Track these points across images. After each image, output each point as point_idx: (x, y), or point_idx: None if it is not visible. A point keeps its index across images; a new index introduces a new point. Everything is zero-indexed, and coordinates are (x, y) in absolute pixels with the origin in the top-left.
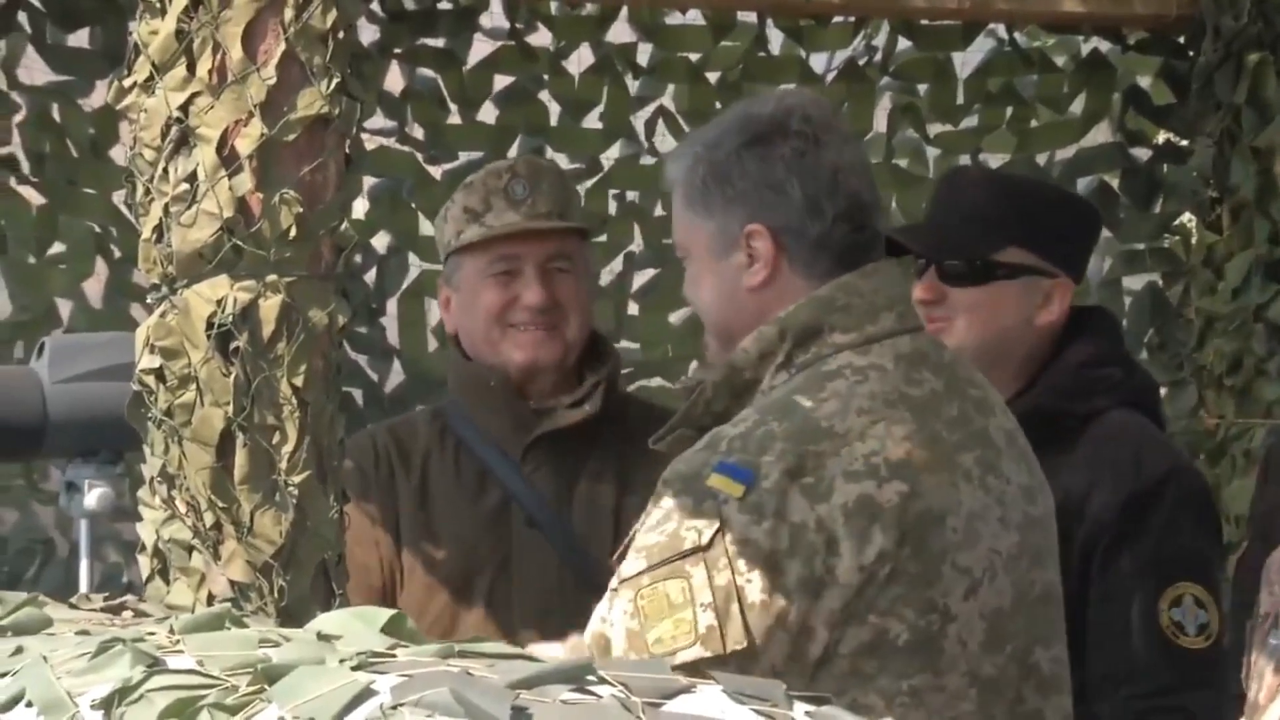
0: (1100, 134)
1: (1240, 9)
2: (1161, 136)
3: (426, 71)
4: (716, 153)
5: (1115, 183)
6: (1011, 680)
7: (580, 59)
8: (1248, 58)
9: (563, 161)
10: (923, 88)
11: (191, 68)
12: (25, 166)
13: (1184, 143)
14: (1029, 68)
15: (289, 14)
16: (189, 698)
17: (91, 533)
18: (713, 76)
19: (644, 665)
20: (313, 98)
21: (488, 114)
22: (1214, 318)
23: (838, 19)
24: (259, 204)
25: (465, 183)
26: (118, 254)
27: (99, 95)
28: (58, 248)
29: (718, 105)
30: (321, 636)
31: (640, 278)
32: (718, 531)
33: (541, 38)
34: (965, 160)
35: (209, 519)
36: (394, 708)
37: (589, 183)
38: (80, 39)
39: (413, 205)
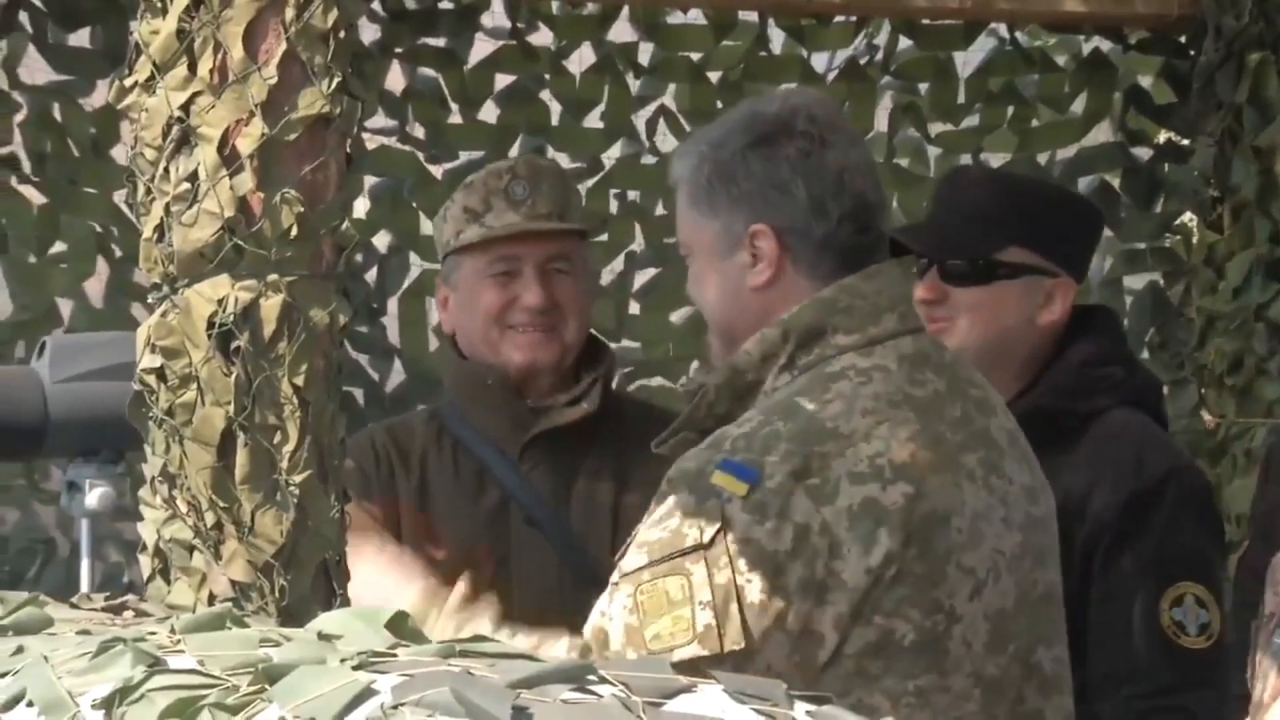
0: (1101, 133)
1: (1241, 9)
2: (1162, 136)
3: (428, 71)
4: (722, 152)
5: (1116, 182)
6: (1014, 680)
7: (581, 58)
8: (1249, 57)
9: (564, 161)
10: (924, 87)
11: (192, 67)
12: (27, 166)
13: (1185, 142)
14: (1030, 67)
15: (290, 13)
16: (190, 697)
17: (92, 532)
18: (714, 76)
19: (644, 665)
20: (314, 97)
21: (489, 113)
22: (1215, 317)
23: (839, 18)
24: (260, 203)
25: (465, 183)
26: (119, 253)
27: (100, 95)
28: (59, 247)
29: (719, 105)
30: (322, 636)
31: (641, 277)
32: (719, 530)
33: (543, 37)
34: (966, 160)
35: (210, 519)
36: (395, 707)
37: (590, 182)
38: (81, 38)
39: (414, 205)
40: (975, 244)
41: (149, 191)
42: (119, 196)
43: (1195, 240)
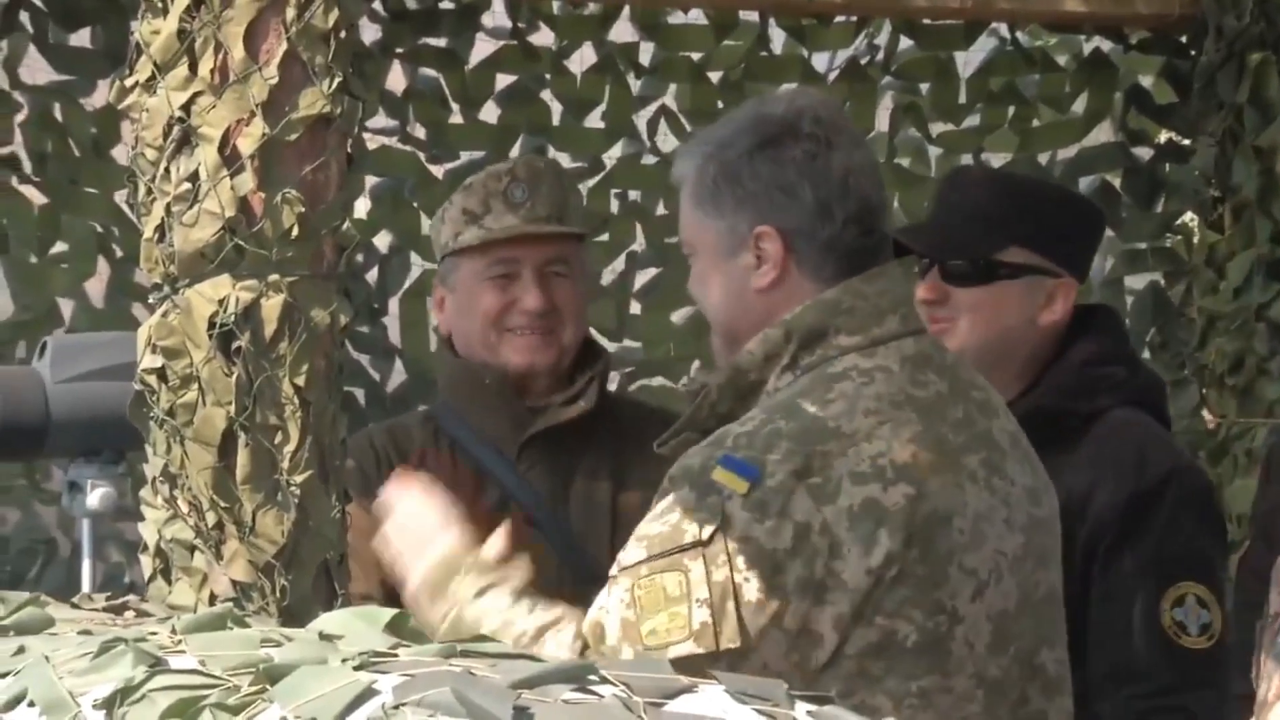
0: (1102, 133)
1: (1242, 9)
2: (1163, 136)
3: (429, 71)
4: (728, 153)
5: (1117, 182)
6: (1015, 681)
7: (582, 58)
8: (1250, 57)
9: (565, 161)
10: (925, 87)
11: (193, 67)
12: (28, 166)
13: (1186, 142)
14: (1031, 67)
15: (291, 13)
16: (191, 697)
17: (94, 532)
18: (715, 76)
19: (645, 665)
20: (315, 97)
21: (490, 113)
22: (1216, 317)
23: (840, 18)
24: (261, 203)
25: (464, 185)
26: (120, 253)
27: (101, 95)
28: (60, 247)
29: (720, 105)
30: (323, 636)
31: (642, 277)
32: (719, 528)
33: (543, 37)
34: (967, 160)
35: (211, 519)
36: (396, 707)
37: (591, 182)
38: (82, 38)
39: (415, 205)
40: (976, 244)
41: (150, 191)
42: (120, 196)
43: (1196, 240)
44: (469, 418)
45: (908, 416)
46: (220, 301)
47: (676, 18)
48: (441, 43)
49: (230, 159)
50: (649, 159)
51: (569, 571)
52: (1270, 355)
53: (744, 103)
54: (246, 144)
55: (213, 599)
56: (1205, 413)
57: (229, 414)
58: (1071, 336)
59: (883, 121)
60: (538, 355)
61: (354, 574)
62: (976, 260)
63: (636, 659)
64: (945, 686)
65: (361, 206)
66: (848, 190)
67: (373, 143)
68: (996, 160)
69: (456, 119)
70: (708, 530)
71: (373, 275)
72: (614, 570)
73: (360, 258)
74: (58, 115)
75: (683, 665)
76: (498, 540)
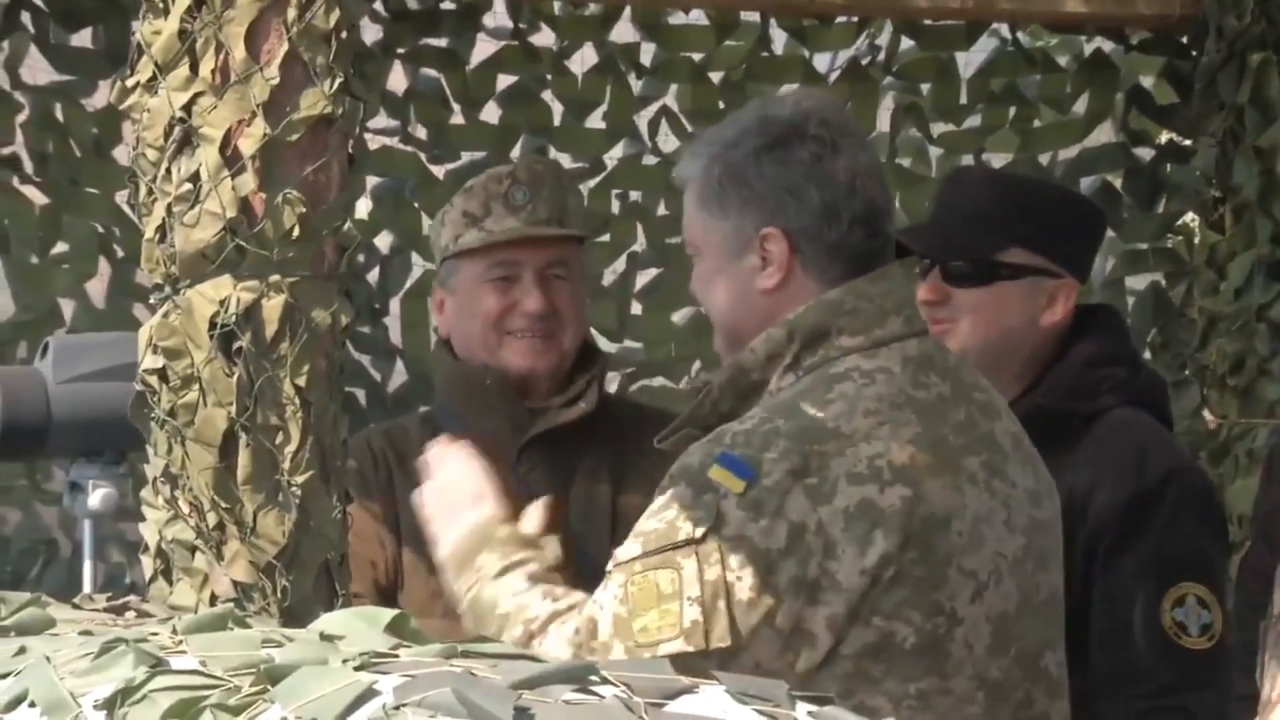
0: (1103, 134)
1: (1243, 9)
2: (1164, 136)
3: (430, 71)
4: (733, 154)
5: (1118, 182)
6: (1017, 683)
7: (583, 59)
8: (1250, 58)
9: (566, 161)
10: (926, 87)
11: (194, 67)
12: (29, 166)
13: (1187, 142)
14: (1032, 67)
15: (292, 14)
16: (192, 698)
17: (95, 533)
18: (716, 76)
19: (646, 665)
20: (316, 98)
21: (491, 114)
22: (1217, 317)
23: (841, 19)
24: (262, 204)
25: (465, 187)
26: (121, 254)
27: (102, 95)
28: (61, 248)
29: (721, 105)
30: (324, 637)
31: (643, 277)
32: (712, 526)
33: (544, 37)
34: (968, 160)
35: (212, 519)
36: (396, 708)
37: (592, 182)
38: (83, 39)
39: (416, 205)
40: (977, 245)
41: (151, 192)
42: (121, 197)
43: (1197, 241)
44: (468, 420)
45: (907, 418)
46: (221, 302)
47: (677, 18)
48: (442, 43)
49: (231, 159)
50: (650, 159)
51: (570, 573)
52: (1271, 356)
53: (748, 104)
54: (248, 144)
55: (214, 599)
56: (1206, 413)
57: (230, 414)
58: (1073, 337)
59: (884, 122)
60: (538, 358)
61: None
62: (977, 261)
63: (638, 660)
64: (944, 688)
65: (363, 207)
66: (854, 192)
67: (374, 143)
68: (997, 161)
69: (458, 119)
70: (701, 529)
71: (374, 276)
72: (610, 565)
73: (361, 258)
74: (59, 115)
75: (673, 663)
76: (533, 518)
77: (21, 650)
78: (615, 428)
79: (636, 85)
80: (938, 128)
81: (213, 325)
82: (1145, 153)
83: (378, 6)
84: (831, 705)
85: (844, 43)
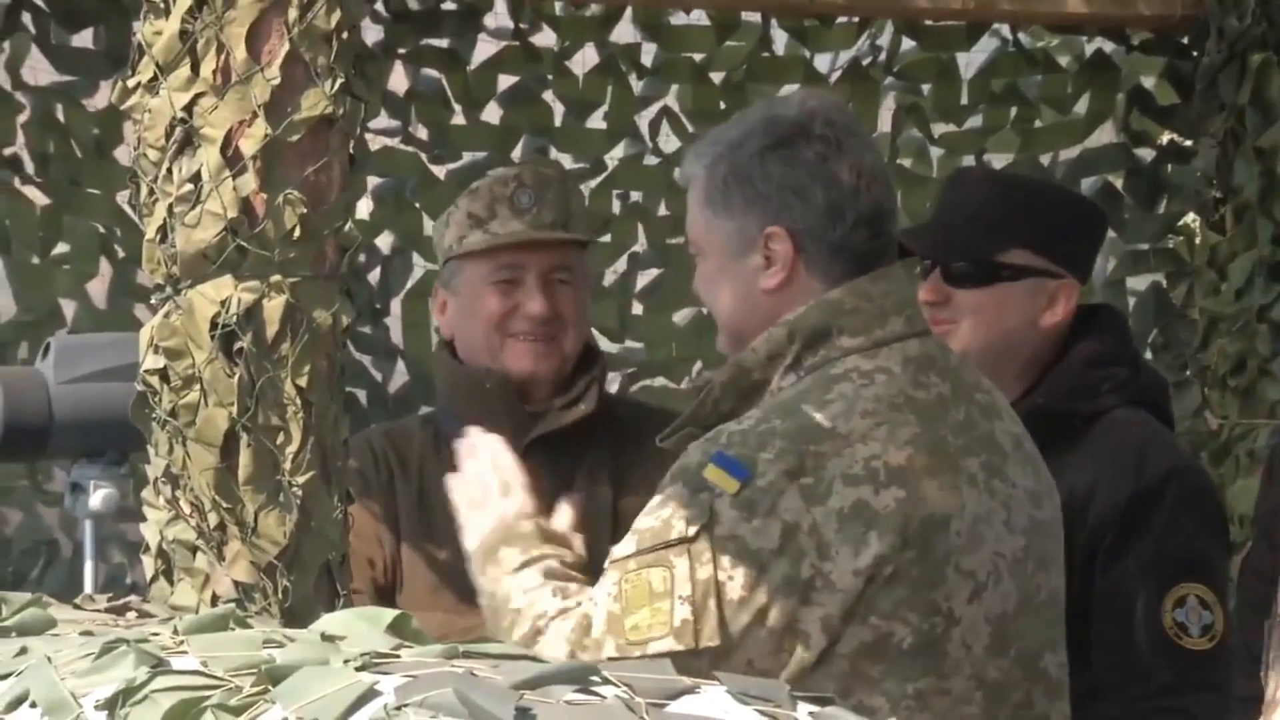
0: (1104, 134)
1: (1244, 10)
2: (1165, 137)
3: (431, 72)
4: (739, 153)
5: (1119, 183)
6: (1016, 683)
7: (584, 59)
8: (1251, 58)
9: (567, 162)
10: (927, 88)
11: (195, 68)
12: (30, 167)
13: (1188, 143)
14: (1033, 68)
15: (293, 14)
16: (193, 698)
17: (96, 533)
18: (717, 77)
19: (647, 666)
20: (317, 98)
21: (492, 114)
22: (1218, 318)
23: (842, 19)
24: (263, 204)
25: (470, 189)
26: (122, 254)
27: (103, 95)
28: (62, 248)
29: (722, 105)
30: (325, 637)
31: (644, 278)
32: (705, 525)
33: (545, 38)
34: (969, 160)
35: (213, 519)
36: (398, 708)
37: (593, 183)
38: (84, 39)
39: (417, 205)
40: (978, 245)
41: (152, 192)
42: (122, 197)
43: (1198, 241)
44: (469, 422)
45: (906, 419)
46: (222, 302)
47: (678, 19)
48: (443, 43)
49: (232, 160)
50: (651, 160)
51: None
52: (1272, 356)
53: (753, 104)
54: (249, 145)
55: (215, 600)
56: (1207, 414)
57: (231, 415)
58: (1074, 337)
59: (885, 122)
60: (540, 362)
61: None
62: (978, 261)
63: (640, 661)
64: (942, 688)
65: (364, 207)
66: (858, 192)
67: (375, 143)
68: (999, 161)
69: (459, 120)
70: (694, 527)
71: (375, 276)
72: (607, 562)
73: (362, 258)
74: (60, 116)
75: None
76: (565, 515)
77: (23, 651)
78: (616, 428)
79: (637, 86)
80: (939, 128)
81: (214, 326)
82: (1146, 153)
83: (379, 7)
84: (833, 706)
85: (845, 43)
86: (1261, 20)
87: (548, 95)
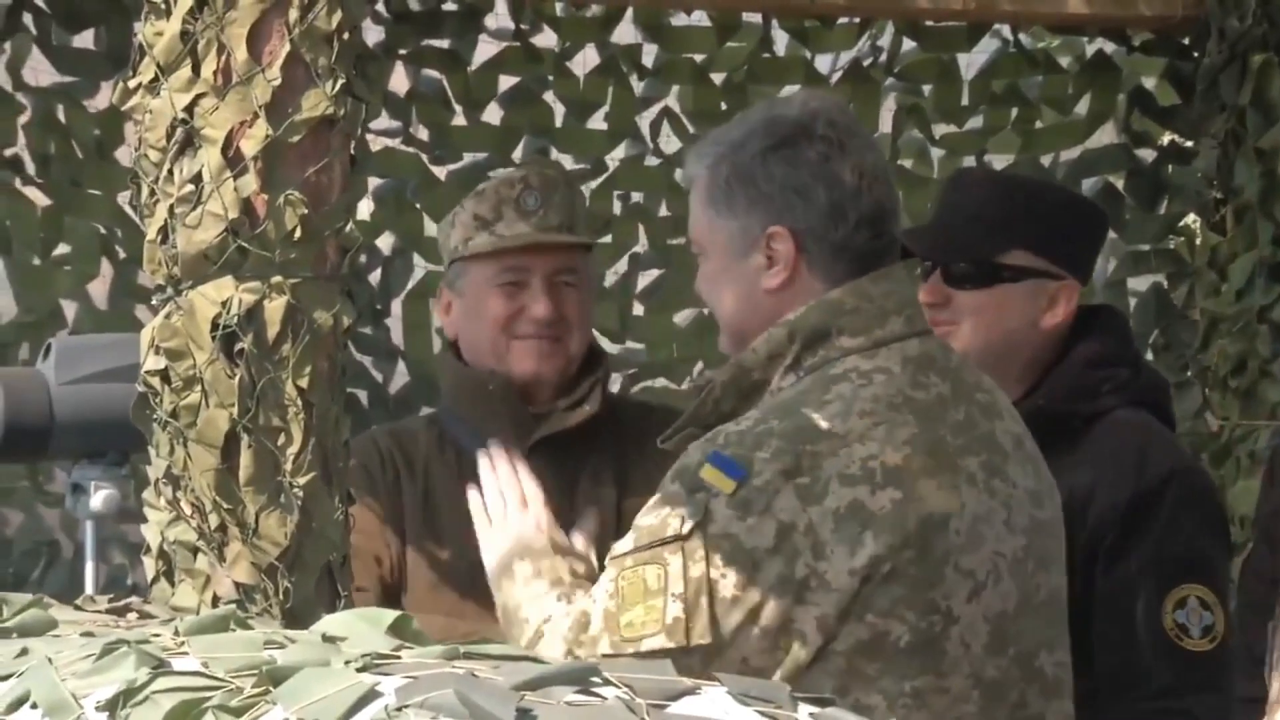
0: (1105, 135)
1: (1245, 10)
2: (1166, 138)
3: (431, 72)
4: (741, 154)
5: (1120, 184)
6: (1014, 683)
7: (585, 60)
8: (1252, 59)
9: (567, 162)
10: (928, 88)
11: (196, 69)
12: (30, 168)
13: (1189, 144)
14: (1034, 69)
15: (294, 15)
16: (194, 699)
17: (97, 534)
18: (718, 77)
19: (648, 666)
20: (318, 99)
21: (493, 115)
22: (1218, 319)
23: (842, 20)
24: (264, 205)
25: (476, 190)
26: (123, 255)
27: (104, 96)
28: (63, 249)
29: (723, 106)
30: (326, 638)
31: (645, 278)
32: (699, 524)
33: (546, 39)
34: (970, 161)
35: (214, 520)
36: (399, 709)
37: (594, 184)
38: (85, 40)
39: (417, 206)
40: (978, 246)
41: (153, 193)
42: (123, 198)
43: (1199, 242)
44: (473, 423)
45: (904, 419)
46: (223, 303)
47: (679, 19)
48: (444, 44)
49: (233, 160)
50: (652, 161)
51: None
52: (1273, 357)
53: (756, 105)
54: (249, 145)
55: (215, 601)
56: (1208, 415)
57: (232, 416)
58: (1074, 338)
59: (885, 123)
60: (545, 363)
61: (353, 570)
62: (979, 263)
63: (642, 662)
64: (940, 687)
65: (364, 208)
66: (860, 193)
67: (376, 144)
68: (999, 162)
69: (459, 120)
70: (688, 525)
71: (376, 277)
72: (607, 559)
73: (363, 259)
74: (61, 117)
75: (657, 658)
76: (584, 531)
77: (24, 652)
78: (619, 429)
79: (638, 86)
80: (939, 129)
81: (215, 326)
82: (1147, 154)
83: (379, 8)
84: (833, 707)
85: (846, 44)
86: (1262, 21)
87: (548, 96)
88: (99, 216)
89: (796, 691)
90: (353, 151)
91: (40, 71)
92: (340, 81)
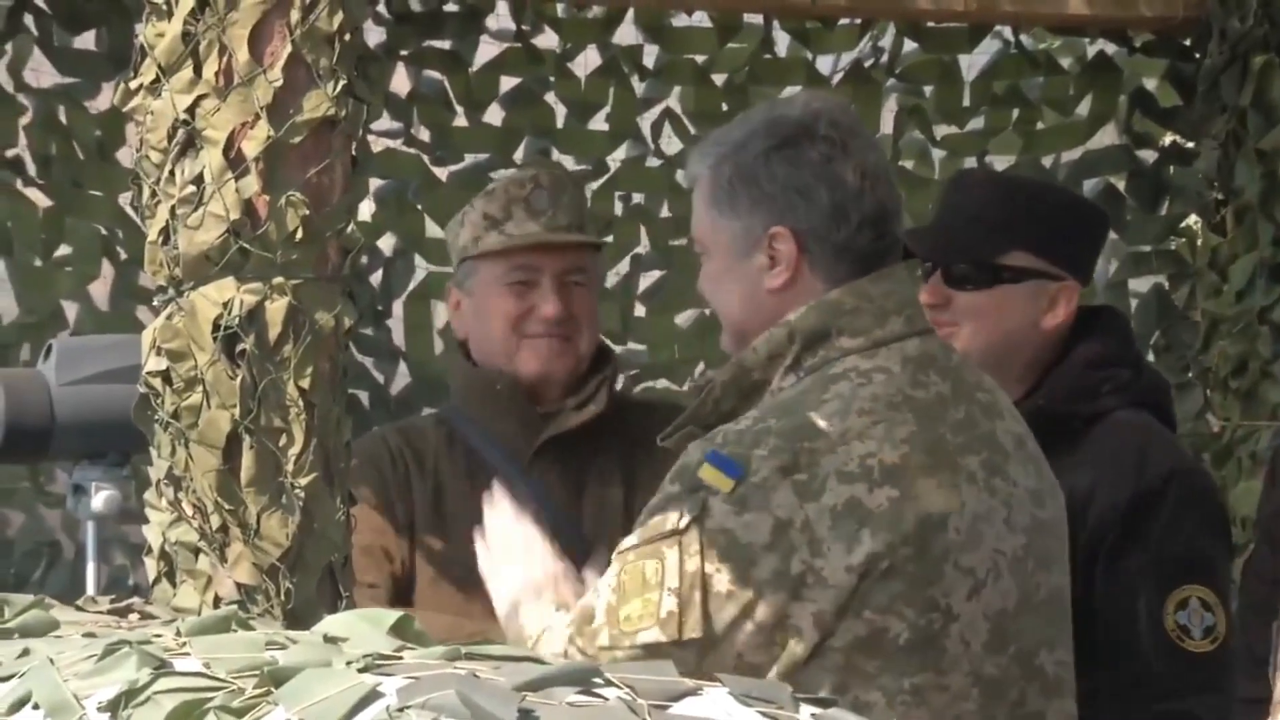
0: (1106, 136)
1: (1246, 11)
2: (1167, 139)
3: (433, 73)
4: (744, 154)
5: (1121, 185)
6: (1014, 681)
7: (586, 61)
8: (1253, 60)
9: (569, 163)
10: (929, 89)
11: (198, 70)
12: (32, 169)
13: (1190, 145)
14: (1035, 70)
15: (295, 16)
16: (195, 700)
17: (98, 535)
18: (719, 78)
19: (649, 667)
20: (319, 100)
21: (494, 116)
22: (1219, 320)
23: (844, 21)
24: (265, 206)
25: (486, 189)
26: (124, 256)
27: (105, 97)
28: (64, 250)
29: (724, 107)
30: (328, 639)
31: (646, 279)
32: (695, 518)
33: (548, 40)
34: (971, 162)
35: (215, 521)
36: (400, 710)
37: (595, 185)
38: (86, 41)
39: (419, 207)
40: (979, 248)
41: (154, 194)
42: (124, 199)
43: (1200, 243)
44: (481, 423)
45: (903, 417)
46: (225, 304)
47: (680, 20)
48: (446, 45)
49: (235, 161)
50: (653, 161)
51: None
52: (1273, 358)
53: (758, 105)
54: (251, 147)
55: (217, 601)
56: (1209, 416)
57: (233, 417)
58: (1075, 339)
59: (887, 124)
60: (554, 361)
61: (365, 566)
62: (979, 264)
63: (643, 663)
64: (940, 684)
65: (366, 209)
66: (863, 193)
67: (377, 145)
68: (1001, 163)
69: (461, 121)
70: (685, 520)
71: (377, 278)
72: (614, 554)
73: (364, 260)
74: (62, 118)
75: (653, 653)
76: (593, 573)
77: (25, 652)
78: (626, 429)
79: (639, 87)
80: (941, 130)
81: (216, 327)
82: (1148, 155)
83: (381, 9)
84: (835, 707)
85: (847, 45)
86: (1263, 22)
87: (550, 97)
88: (100, 217)
89: (795, 689)
90: (354, 152)
91: (41, 72)
92: (342, 82)
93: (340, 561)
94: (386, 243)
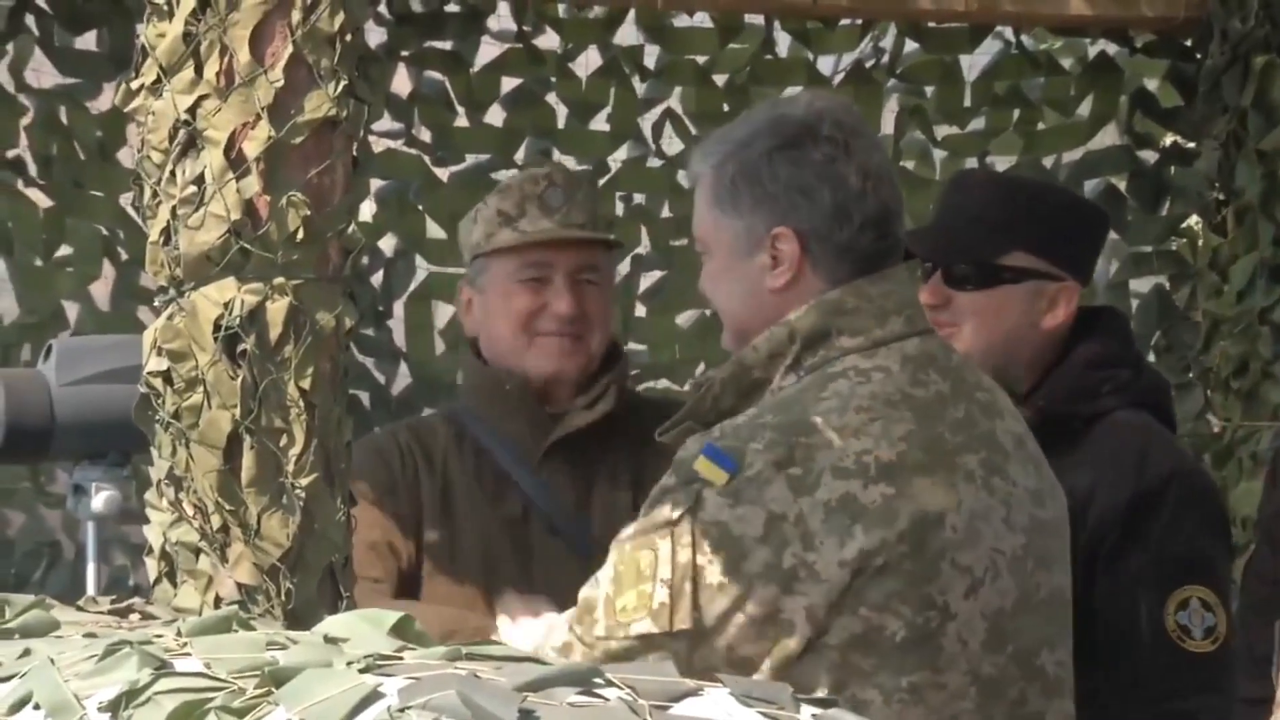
0: (1107, 136)
1: (1247, 12)
2: (1168, 139)
3: (434, 74)
4: (747, 153)
5: (1122, 185)
6: (1013, 680)
7: (587, 61)
8: (1254, 61)
9: (570, 164)
10: (930, 90)
11: (199, 70)
12: (33, 169)
13: (1190, 145)
14: (1036, 70)
15: (296, 16)
16: (196, 700)
17: (98, 535)
18: (720, 79)
19: (650, 668)
20: (320, 100)
21: (495, 116)
22: (1220, 320)
23: (845, 21)
24: (266, 206)
25: (500, 186)
26: (125, 256)
27: (106, 98)
28: (65, 250)
29: (725, 108)
30: (329, 639)
31: (647, 280)
32: (688, 510)
33: (549, 40)
34: (972, 163)
35: (216, 521)
36: (401, 710)
37: (596, 185)
38: (88, 41)
39: (420, 208)
40: (979, 248)
41: (155, 194)
42: (125, 199)
43: (1200, 244)
44: (490, 422)
45: (901, 415)
46: (225, 304)
47: (681, 21)
48: (447, 46)
49: (236, 162)
50: (654, 162)
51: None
52: (1274, 359)
53: (760, 104)
54: (252, 147)
55: (218, 602)
56: (1210, 416)
57: (234, 417)
58: (1075, 339)
59: (888, 124)
60: (566, 359)
61: (370, 561)
62: (979, 264)
63: (644, 663)
64: (937, 683)
65: (367, 209)
66: (865, 194)
67: (378, 146)
68: (1001, 163)
69: (462, 122)
70: (678, 512)
71: (378, 278)
72: (612, 544)
73: (365, 261)
74: (63, 118)
75: (646, 643)
76: None
77: (26, 653)
78: (635, 428)
79: (641, 88)
80: (941, 130)
81: (217, 328)
82: (1149, 155)
83: (382, 9)
84: (835, 708)
85: (848, 45)
86: (1265, 23)
87: (551, 97)
88: (101, 218)
89: (793, 687)
90: (355, 153)
91: (42, 73)
92: (343, 83)
93: (341, 562)
94: (387, 243)
